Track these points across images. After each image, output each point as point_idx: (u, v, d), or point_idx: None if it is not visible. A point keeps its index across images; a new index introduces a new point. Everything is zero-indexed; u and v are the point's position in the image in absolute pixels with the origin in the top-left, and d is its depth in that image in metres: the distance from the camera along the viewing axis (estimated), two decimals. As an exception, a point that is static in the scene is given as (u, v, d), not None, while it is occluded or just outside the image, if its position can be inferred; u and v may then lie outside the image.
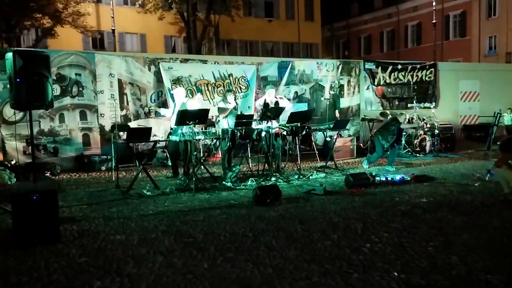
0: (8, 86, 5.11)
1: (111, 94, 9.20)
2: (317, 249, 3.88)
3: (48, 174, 8.01)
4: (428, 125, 10.48)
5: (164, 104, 9.35)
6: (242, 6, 23.90)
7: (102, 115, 9.13)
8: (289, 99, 9.99)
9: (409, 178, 7.01)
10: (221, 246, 4.00)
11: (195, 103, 7.71)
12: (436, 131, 10.41)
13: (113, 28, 20.50)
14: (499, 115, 9.00)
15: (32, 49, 11.97)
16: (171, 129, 7.83)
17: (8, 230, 4.39)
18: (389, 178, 6.94)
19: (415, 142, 10.38)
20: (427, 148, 10.39)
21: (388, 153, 8.64)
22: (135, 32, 26.04)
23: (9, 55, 4.77)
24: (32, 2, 17.62)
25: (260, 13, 30.40)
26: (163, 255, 3.79)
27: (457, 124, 12.89)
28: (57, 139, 8.73)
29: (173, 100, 8.24)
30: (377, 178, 6.87)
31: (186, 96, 8.01)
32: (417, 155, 10.17)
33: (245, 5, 25.64)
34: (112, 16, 20.22)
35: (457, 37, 31.90)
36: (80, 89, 8.94)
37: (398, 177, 7.03)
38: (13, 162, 7.94)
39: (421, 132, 10.41)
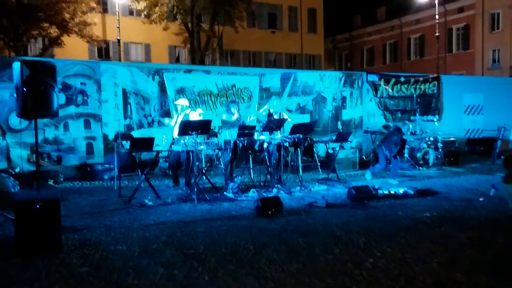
0: (15, 94, 5.16)
1: (115, 103, 9.25)
2: (319, 263, 3.85)
3: (51, 182, 8.02)
4: (432, 138, 10.45)
5: (167, 114, 9.39)
6: (245, 18, 24.09)
7: (106, 124, 9.17)
8: (290, 111, 10.00)
9: (412, 192, 6.95)
10: (222, 258, 3.98)
11: (197, 117, 7.71)
12: (440, 144, 10.37)
13: (118, 38, 20.69)
14: (503, 129, 8.98)
15: (39, 58, 12.09)
16: (174, 139, 7.84)
17: (10, 238, 4.38)
18: (392, 192, 6.88)
19: (418, 155, 10.34)
20: (431, 161, 10.34)
21: (391, 165, 8.61)
22: (140, 42, 26.28)
23: (17, 64, 4.82)
24: (40, 11, 17.84)
25: (263, 24, 30.66)
26: (164, 267, 3.77)
27: (461, 137, 12.85)
28: (61, 148, 8.76)
29: (176, 111, 8.27)
30: (380, 191, 6.82)
31: (189, 107, 8.03)
32: (420, 168, 10.11)
33: (249, 16, 25.86)
34: (118, 26, 20.42)
35: (460, 50, 32.05)
36: (85, 98, 8.99)
37: (401, 190, 6.96)
38: (17, 170, 7.96)
39: (425, 145, 10.37)
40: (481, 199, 6.64)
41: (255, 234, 4.79)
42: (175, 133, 7.56)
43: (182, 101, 8.07)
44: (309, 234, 4.77)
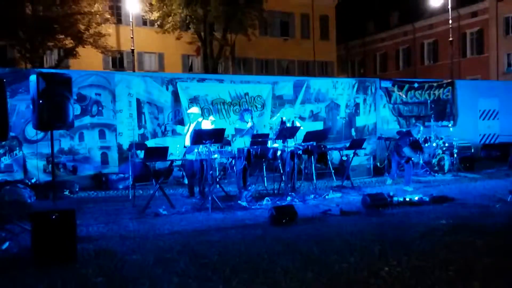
0: (31, 106, 5.27)
1: (130, 113, 9.37)
2: (334, 272, 3.82)
3: (67, 192, 8.13)
4: (446, 144, 10.31)
5: (181, 123, 9.47)
6: (258, 26, 24.24)
7: (120, 134, 9.28)
8: (303, 119, 9.96)
9: (427, 199, 6.86)
10: (237, 268, 3.97)
11: (209, 126, 7.76)
12: (455, 150, 10.22)
13: (132, 48, 20.99)
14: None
15: (55, 70, 12.36)
16: (185, 147, 7.90)
17: (27, 248, 4.45)
18: (407, 199, 6.81)
19: (433, 161, 10.21)
20: (446, 167, 10.20)
21: (405, 171, 8.54)
22: (153, 51, 26.64)
23: (33, 77, 4.93)
24: (56, 23, 18.24)
25: (275, 32, 30.79)
26: (178, 276, 3.78)
27: (476, 143, 12.63)
28: (76, 158, 8.89)
29: (189, 119, 8.34)
30: (395, 199, 6.75)
31: (202, 115, 8.09)
32: (436, 174, 9.98)
33: (261, 24, 25.99)
34: (132, 36, 20.73)
35: (474, 55, 31.64)
36: (100, 108, 9.13)
37: (416, 197, 6.88)
38: (33, 180, 8.10)
39: (440, 151, 10.24)
40: (498, 206, 6.51)
41: (269, 242, 4.77)
42: (187, 141, 7.62)
43: (194, 110, 8.13)
44: (323, 242, 4.73)
